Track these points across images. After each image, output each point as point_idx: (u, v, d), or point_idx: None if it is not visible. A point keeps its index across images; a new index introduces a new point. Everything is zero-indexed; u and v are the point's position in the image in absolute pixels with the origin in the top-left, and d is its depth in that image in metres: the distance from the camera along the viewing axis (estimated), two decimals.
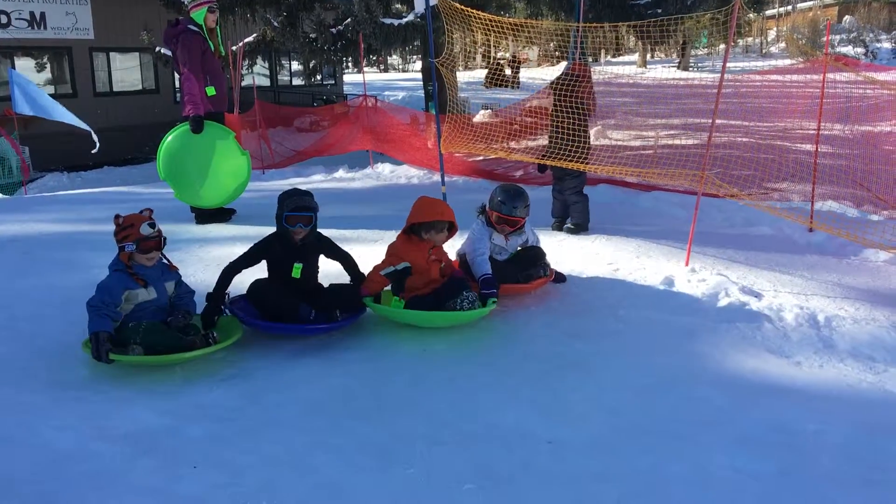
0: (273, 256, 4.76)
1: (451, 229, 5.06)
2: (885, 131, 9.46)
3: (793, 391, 4.11)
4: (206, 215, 7.90)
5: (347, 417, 3.77)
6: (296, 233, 4.70)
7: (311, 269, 4.87)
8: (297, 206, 4.67)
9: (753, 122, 11.77)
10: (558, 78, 7.31)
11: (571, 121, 7.01)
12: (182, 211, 8.00)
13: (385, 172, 11.39)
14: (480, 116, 12.20)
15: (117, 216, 4.31)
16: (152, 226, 4.28)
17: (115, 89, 21.35)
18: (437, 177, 8.21)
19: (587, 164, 6.95)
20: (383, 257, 4.98)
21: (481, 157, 11.24)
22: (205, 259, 6.47)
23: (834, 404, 3.97)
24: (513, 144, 9.96)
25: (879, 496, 3.18)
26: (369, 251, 6.64)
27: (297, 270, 4.71)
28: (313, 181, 11.08)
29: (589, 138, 7.32)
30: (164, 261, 4.48)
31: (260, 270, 4.86)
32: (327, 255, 5.01)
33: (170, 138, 7.58)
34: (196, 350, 4.11)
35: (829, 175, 8.11)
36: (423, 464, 3.36)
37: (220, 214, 7.99)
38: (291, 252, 4.73)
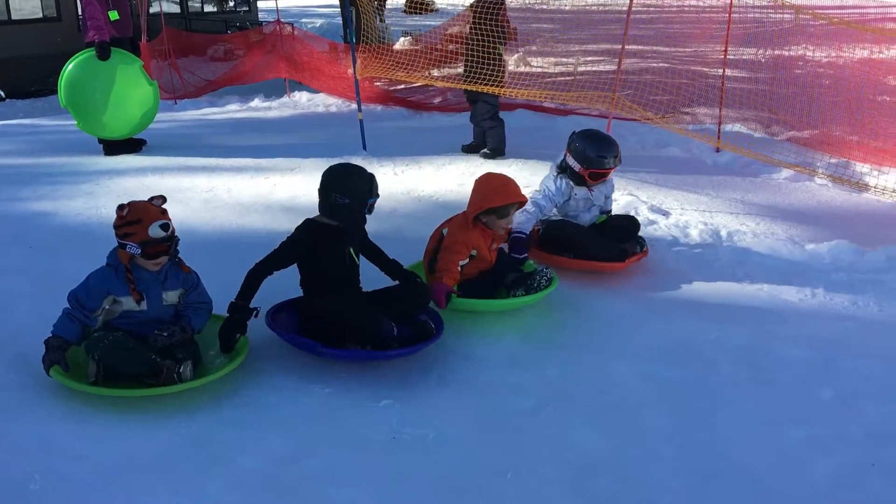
0: (317, 249, 3.67)
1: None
2: (796, 55, 9.75)
3: (696, 302, 4.32)
4: (115, 146, 7.64)
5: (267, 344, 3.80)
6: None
7: (357, 257, 3.87)
8: (377, 191, 3.73)
9: (669, 48, 11.97)
10: (476, 1, 7.26)
11: (487, 44, 7.01)
12: (89, 141, 7.72)
13: (302, 101, 11.19)
14: (401, 44, 12.02)
15: (121, 206, 3.32)
16: (165, 227, 3.29)
17: (13, 17, 20.13)
18: (354, 105, 8.12)
19: (502, 87, 6.98)
20: (446, 245, 4.08)
21: (402, 86, 11.14)
22: (115, 191, 6.30)
23: (734, 313, 4.20)
24: (434, 72, 9.88)
25: (772, 396, 3.41)
26: (286, 180, 6.61)
27: (352, 255, 3.77)
28: (228, 111, 10.81)
29: (504, 62, 7.33)
30: (176, 261, 3.48)
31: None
32: (361, 245, 3.93)
33: (72, 65, 7.25)
34: (154, 388, 3.19)
35: (738, 97, 8.34)
36: (340, 383, 3.43)
37: (130, 145, 7.74)
38: (340, 237, 3.71)
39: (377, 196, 3.71)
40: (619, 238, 4.67)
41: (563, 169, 4.71)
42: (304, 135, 8.74)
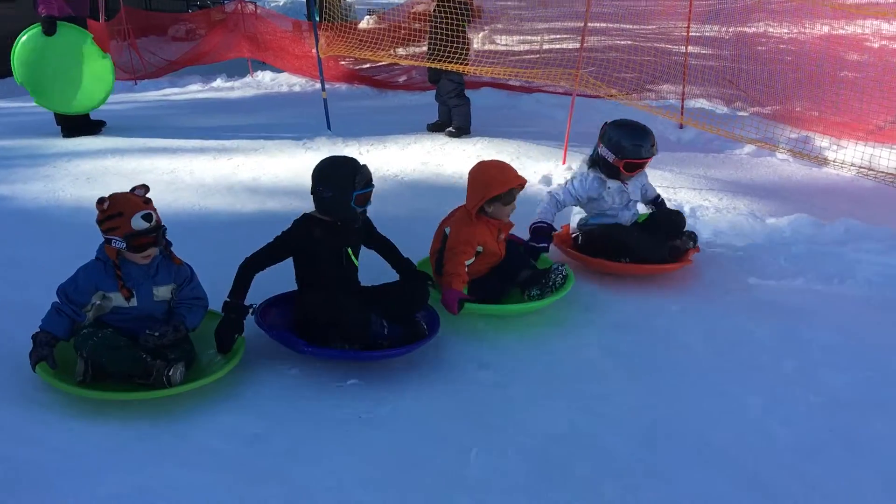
0: (311, 246, 3.53)
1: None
2: (759, 31, 9.84)
3: (658, 277, 4.36)
4: (73, 128, 7.50)
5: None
6: (362, 214, 3.61)
7: (357, 255, 3.68)
8: (368, 181, 3.50)
9: (634, 25, 12.01)
10: None
11: (451, 23, 6.97)
12: (47, 124, 7.57)
13: (265, 81, 11.08)
14: (366, 22, 11.92)
15: (101, 200, 3.16)
16: (148, 217, 3.16)
17: None
18: (319, 85, 8.04)
19: (467, 65, 6.97)
20: (450, 246, 3.82)
21: (368, 65, 11.06)
22: (74, 174, 6.17)
23: (695, 287, 4.25)
24: (400, 51, 9.83)
25: (735, 367, 3.46)
26: (249, 161, 6.54)
27: (350, 256, 3.58)
28: (190, 91, 10.66)
29: (468, 40, 7.31)
30: (167, 253, 3.32)
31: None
32: (368, 241, 3.78)
33: (24, 38, 7.09)
34: (143, 391, 3.05)
35: (701, 74, 8.41)
36: (307, 365, 3.41)
37: (89, 127, 7.60)
38: (336, 235, 3.55)
39: (367, 188, 3.48)
40: (666, 235, 4.36)
41: (594, 162, 4.38)
42: (268, 115, 8.65)
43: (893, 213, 5.23)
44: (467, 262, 3.79)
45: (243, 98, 10.07)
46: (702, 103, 8.16)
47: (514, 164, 6.14)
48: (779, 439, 2.96)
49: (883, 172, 5.44)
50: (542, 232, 4.20)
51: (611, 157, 4.27)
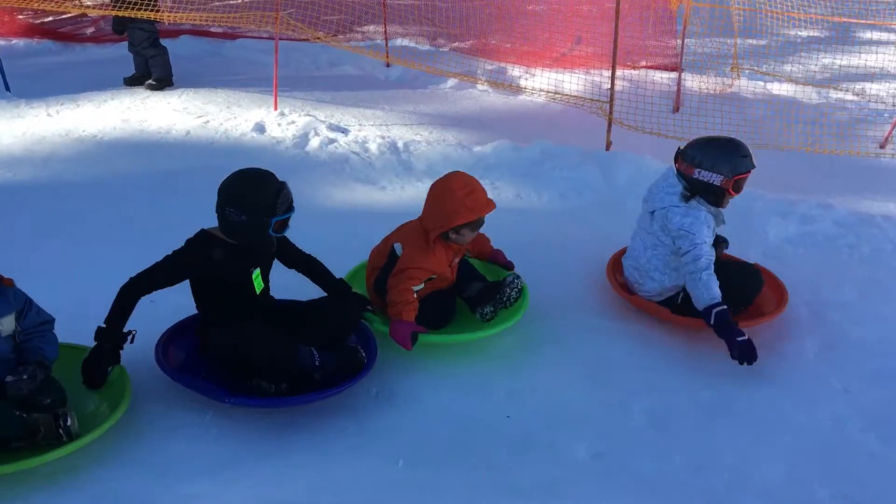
0: (210, 270, 2.94)
1: None
2: None
3: (377, 212, 4.51)
4: None
5: None
6: (279, 240, 3.10)
7: (267, 275, 3.17)
8: (290, 205, 2.95)
9: None
10: None
11: None
12: None
13: None
14: None
15: None
16: None
17: None
18: None
19: (158, 11, 6.55)
20: (400, 269, 3.27)
21: (51, 18, 9.97)
22: None
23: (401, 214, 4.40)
24: (87, 1, 8.97)
25: None
26: None
27: (258, 281, 3.04)
28: None
29: None
30: None
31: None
32: (283, 258, 3.28)
33: None
34: (37, 454, 2.44)
35: (401, 13, 8.60)
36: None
37: None
38: (241, 257, 2.98)
39: (289, 212, 2.95)
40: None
41: (691, 193, 3.51)
42: None
43: (579, 132, 5.79)
44: (415, 289, 3.26)
45: None
46: (405, 41, 8.38)
47: (224, 114, 6.09)
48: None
49: (568, 95, 5.97)
50: (729, 319, 3.27)
51: (718, 180, 3.45)
